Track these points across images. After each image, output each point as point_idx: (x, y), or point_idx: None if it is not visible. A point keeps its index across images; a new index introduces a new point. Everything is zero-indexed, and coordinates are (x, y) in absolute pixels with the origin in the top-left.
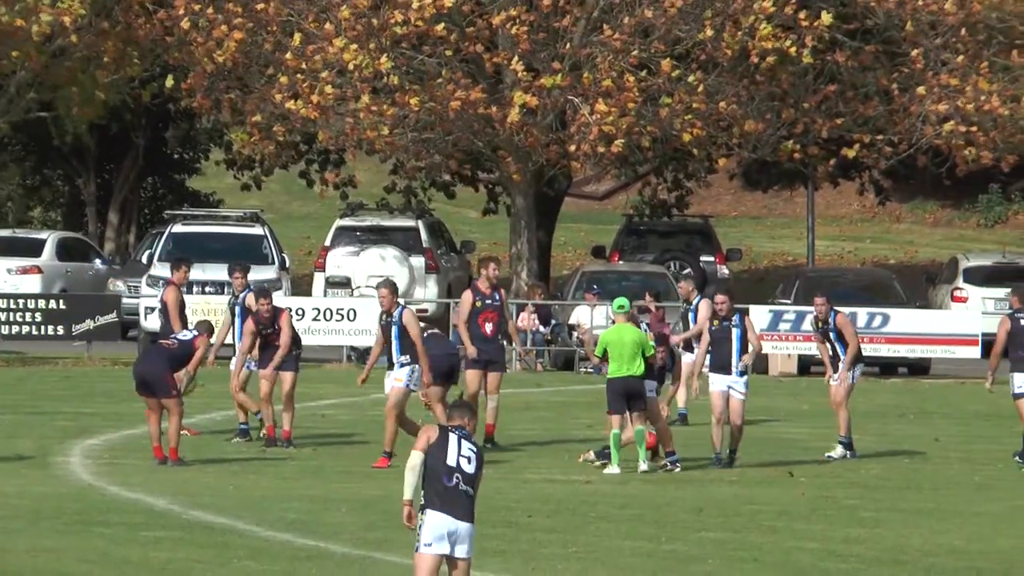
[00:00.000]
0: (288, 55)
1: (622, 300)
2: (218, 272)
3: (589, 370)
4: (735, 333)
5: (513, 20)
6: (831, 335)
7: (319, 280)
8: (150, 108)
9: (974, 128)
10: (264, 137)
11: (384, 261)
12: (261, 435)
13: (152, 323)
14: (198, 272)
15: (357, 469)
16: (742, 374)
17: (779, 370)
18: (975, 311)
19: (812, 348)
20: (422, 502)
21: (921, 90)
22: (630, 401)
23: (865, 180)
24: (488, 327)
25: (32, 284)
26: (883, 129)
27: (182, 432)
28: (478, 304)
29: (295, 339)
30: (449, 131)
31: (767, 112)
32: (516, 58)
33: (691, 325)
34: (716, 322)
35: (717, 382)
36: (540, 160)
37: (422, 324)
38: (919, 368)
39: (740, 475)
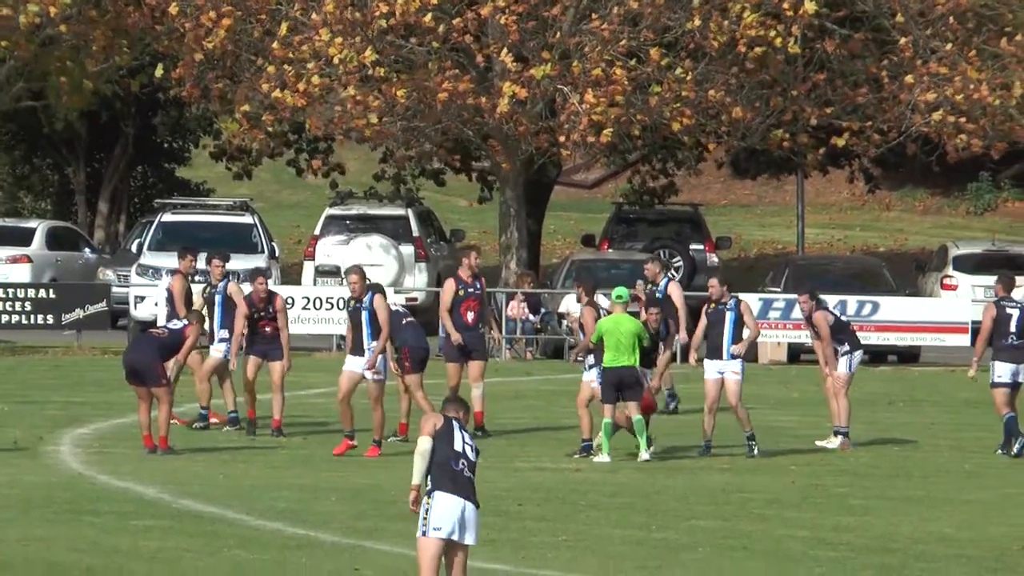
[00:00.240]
0: (275, 44)
1: (621, 290)
2: None
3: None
4: (729, 316)
5: (502, 10)
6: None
7: (309, 269)
8: (140, 97)
9: (963, 118)
10: (253, 127)
11: (372, 250)
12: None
13: (145, 312)
14: None
15: (347, 458)
16: (734, 357)
17: (769, 358)
18: (965, 299)
19: (802, 336)
20: (428, 487)
21: (909, 79)
22: (625, 391)
23: (855, 168)
24: (470, 316)
25: (22, 273)
26: (872, 117)
27: (172, 421)
28: (460, 292)
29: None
30: (438, 120)
31: (756, 100)
32: (505, 50)
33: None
34: (713, 304)
35: (710, 369)
36: (530, 149)
37: (403, 310)
38: (909, 356)
39: (731, 463)
